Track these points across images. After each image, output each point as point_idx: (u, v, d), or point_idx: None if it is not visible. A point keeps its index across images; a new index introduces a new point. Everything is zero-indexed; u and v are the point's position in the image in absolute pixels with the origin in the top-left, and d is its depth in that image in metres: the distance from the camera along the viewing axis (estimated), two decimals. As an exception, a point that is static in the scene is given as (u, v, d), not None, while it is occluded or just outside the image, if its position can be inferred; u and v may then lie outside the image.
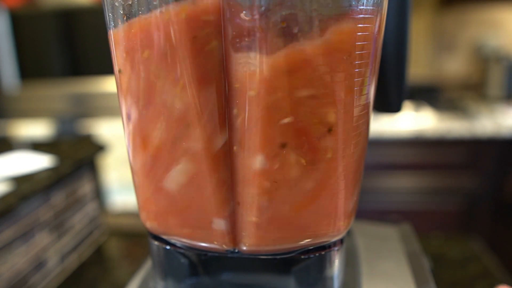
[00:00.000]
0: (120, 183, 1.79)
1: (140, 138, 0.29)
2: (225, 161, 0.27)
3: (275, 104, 0.24)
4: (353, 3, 0.24)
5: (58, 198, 0.74)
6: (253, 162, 0.26)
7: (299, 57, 0.24)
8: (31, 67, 1.87)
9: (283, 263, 0.30)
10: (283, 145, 0.25)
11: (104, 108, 1.80)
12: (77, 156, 0.82)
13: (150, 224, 0.32)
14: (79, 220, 0.80)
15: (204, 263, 0.32)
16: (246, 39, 0.23)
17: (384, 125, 1.30)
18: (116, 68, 0.28)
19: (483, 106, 1.47)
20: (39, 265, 0.68)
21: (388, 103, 0.37)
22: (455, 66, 1.70)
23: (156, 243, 0.33)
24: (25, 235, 0.65)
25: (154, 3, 0.24)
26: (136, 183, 0.31)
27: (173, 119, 0.26)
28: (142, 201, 0.32)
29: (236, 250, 0.30)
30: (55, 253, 0.72)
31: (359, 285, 0.35)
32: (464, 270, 0.57)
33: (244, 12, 0.23)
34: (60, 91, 1.84)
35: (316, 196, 0.28)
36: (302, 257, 0.30)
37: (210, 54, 0.24)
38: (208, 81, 0.25)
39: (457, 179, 1.34)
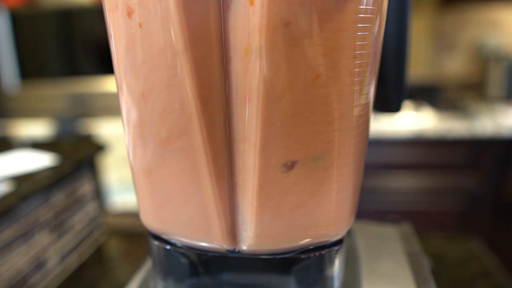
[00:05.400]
0: (120, 183, 1.79)
1: (140, 138, 0.29)
2: (225, 161, 0.27)
3: (275, 102, 0.24)
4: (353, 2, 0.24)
5: (58, 198, 0.74)
6: (253, 160, 0.26)
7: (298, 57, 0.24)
8: (31, 67, 1.87)
9: (283, 263, 0.30)
10: (284, 143, 0.25)
11: (104, 108, 1.80)
12: (77, 156, 0.82)
13: (150, 224, 0.32)
14: (79, 220, 0.80)
15: (204, 263, 0.32)
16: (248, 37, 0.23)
17: (384, 125, 1.30)
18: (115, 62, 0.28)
19: (483, 106, 1.47)
20: (39, 265, 0.68)
21: (388, 103, 0.37)
22: (455, 66, 1.70)
23: (156, 243, 0.33)
24: (25, 235, 0.65)
25: None
26: (136, 183, 0.31)
27: (173, 118, 0.26)
28: (142, 201, 0.32)
29: (236, 250, 0.30)
30: (55, 253, 0.72)
31: (359, 285, 0.35)
32: (464, 270, 0.57)
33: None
34: (60, 91, 1.84)
35: (316, 196, 0.28)
36: (302, 257, 0.30)
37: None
38: (207, 76, 0.25)
39: (457, 179, 1.34)
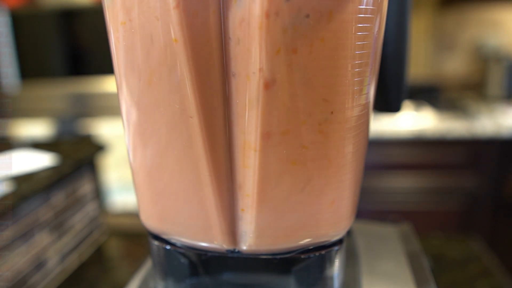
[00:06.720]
0: (120, 183, 1.79)
1: (140, 138, 0.29)
2: (225, 161, 0.27)
3: (274, 101, 0.24)
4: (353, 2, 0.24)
5: (58, 198, 0.74)
6: (253, 160, 0.26)
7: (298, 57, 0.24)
8: (31, 67, 1.87)
9: (283, 263, 0.30)
10: (283, 144, 0.25)
11: (104, 108, 1.80)
12: (77, 156, 0.82)
13: (150, 224, 0.32)
14: (79, 220, 0.80)
15: (204, 263, 0.32)
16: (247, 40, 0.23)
17: (384, 125, 1.30)
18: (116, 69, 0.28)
19: (483, 106, 1.47)
20: (39, 265, 0.68)
21: (388, 103, 0.37)
22: (455, 66, 1.70)
23: (156, 243, 0.33)
24: (25, 235, 0.65)
25: None
26: (136, 183, 0.31)
27: (173, 118, 0.26)
28: (142, 201, 0.32)
29: (236, 250, 0.30)
30: (55, 253, 0.72)
31: (359, 285, 0.35)
32: (464, 270, 0.57)
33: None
34: (60, 91, 1.84)
35: (316, 195, 0.28)
36: (302, 257, 0.30)
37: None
38: (206, 71, 0.25)
39: (457, 179, 1.34)
